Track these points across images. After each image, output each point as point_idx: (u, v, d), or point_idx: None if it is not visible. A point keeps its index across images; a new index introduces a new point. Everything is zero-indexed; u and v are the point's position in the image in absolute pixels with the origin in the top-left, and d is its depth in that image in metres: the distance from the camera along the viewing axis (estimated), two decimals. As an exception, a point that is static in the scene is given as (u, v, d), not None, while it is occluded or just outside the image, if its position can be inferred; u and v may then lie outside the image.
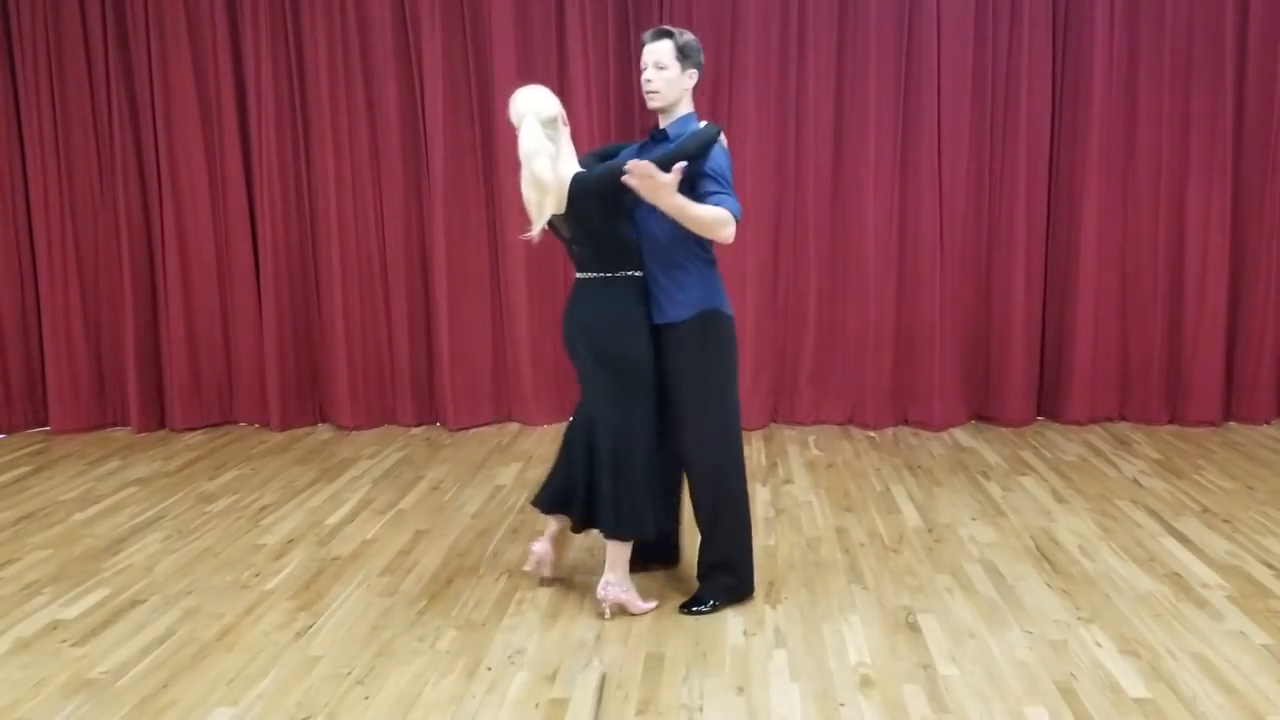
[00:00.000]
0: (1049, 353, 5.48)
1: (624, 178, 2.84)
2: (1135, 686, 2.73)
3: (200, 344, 5.59)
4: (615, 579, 3.18)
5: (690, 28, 5.14)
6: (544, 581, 3.45)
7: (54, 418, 5.59)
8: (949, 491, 4.38)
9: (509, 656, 2.96)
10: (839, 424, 5.49)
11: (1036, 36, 5.16)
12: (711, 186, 2.96)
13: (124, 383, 5.61)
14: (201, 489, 4.58)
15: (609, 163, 3.03)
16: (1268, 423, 5.37)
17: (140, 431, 5.54)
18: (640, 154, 3.14)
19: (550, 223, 3.07)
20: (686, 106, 3.11)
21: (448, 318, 5.42)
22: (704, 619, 3.18)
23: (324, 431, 5.56)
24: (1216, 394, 5.33)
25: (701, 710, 2.66)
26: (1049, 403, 5.51)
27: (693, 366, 3.09)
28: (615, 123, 5.32)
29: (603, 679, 2.83)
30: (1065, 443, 5.10)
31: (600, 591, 3.17)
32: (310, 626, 3.18)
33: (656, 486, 3.15)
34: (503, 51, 5.23)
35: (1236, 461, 4.74)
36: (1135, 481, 4.48)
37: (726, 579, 3.24)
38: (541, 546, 3.39)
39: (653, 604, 3.23)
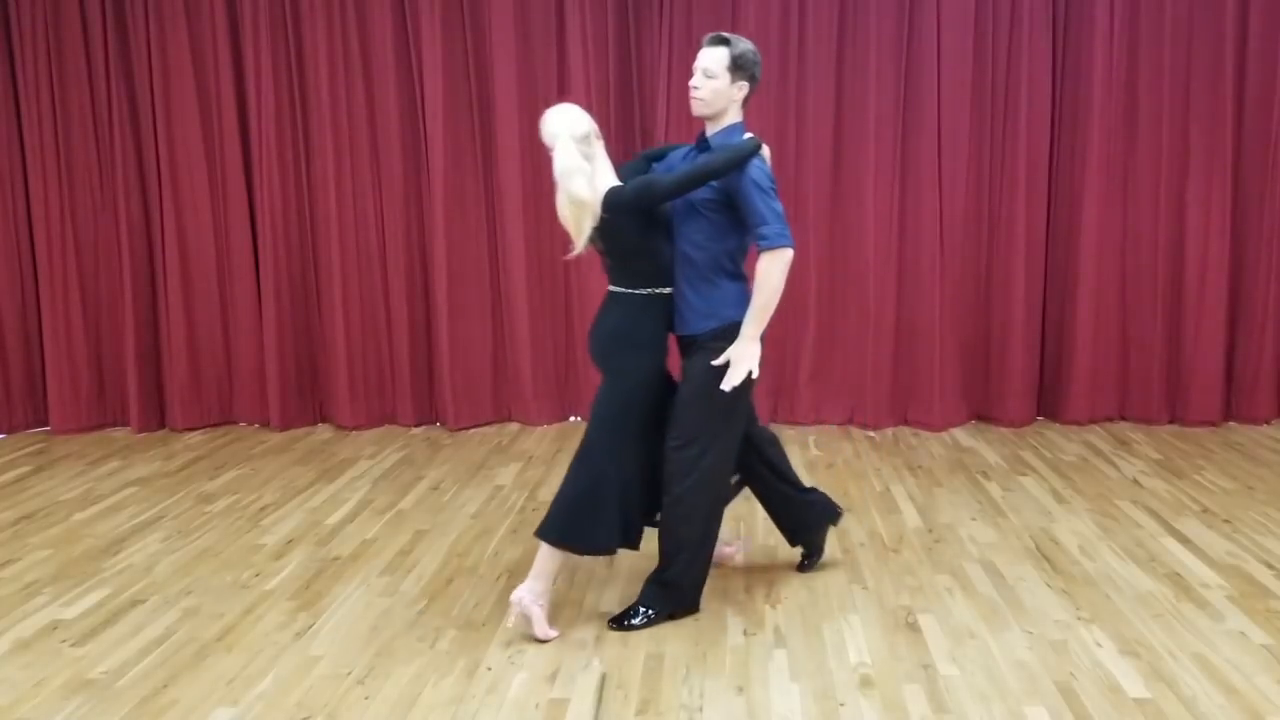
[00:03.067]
0: (1049, 353, 5.48)
1: (725, 386, 2.96)
2: (1135, 686, 2.73)
3: (200, 344, 5.59)
4: (534, 589, 3.06)
5: (690, 28, 5.18)
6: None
7: (54, 418, 5.59)
8: (949, 491, 4.38)
9: (509, 656, 2.96)
10: (839, 424, 5.49)
11: (1036, 36, 5.16)
12: (759, 217, 2.89)
13: (124, 383, 5.61)
14: (201, 489, 4.58)
15: (644, 178, 2.98)
16: (1268, 423, 5.38)
17: (140, 431, 5.54)
18: (688, 162, 3.12)
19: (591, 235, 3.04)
20: (734, 116, 3.04)
21: (448, 318, 5.42)
22: (704, 619, 3.17)
23: (324, 431, 5.56)
24: (1216, 394, 5.33)
25: (701, 710, 2.66)
26: (1049, 403, 5.51)
27: (706, 372, 3.00)
28: (615, 123, 5.32)
29: (603, 679, 2.83)
30: (1065, 443, 5.10)
31: (515, 594, 3.07)
32: (310, 626, 3.18)
33: (612, 509, 3.05)
34: (503, 51, 5.23)
35: (1236, 461, 4.74)
36: (1135, 481, 4.48)
37: (673, 594, 3.16)
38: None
39: (554, 634, 3.06)
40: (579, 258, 3.10)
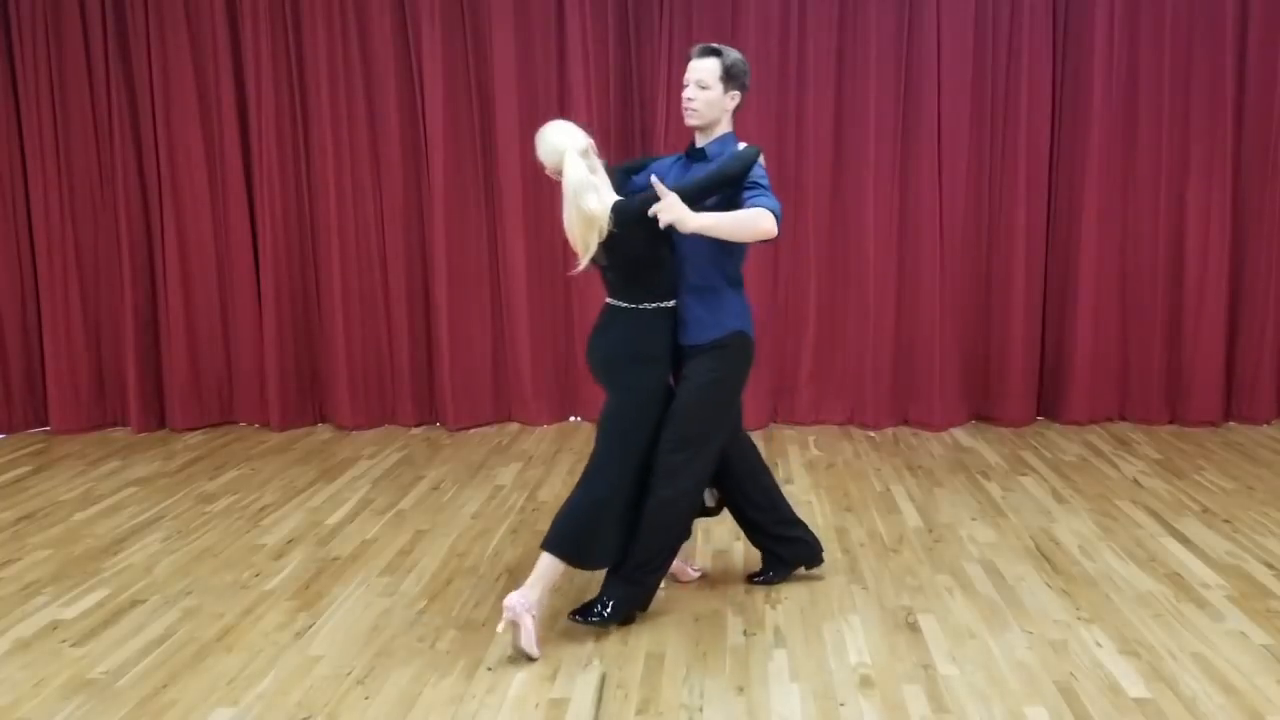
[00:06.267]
0: (1049, 353, 5.48)
1: (650, 210, 2.84)
2: (1135, 686, 2.73)
3: (200, 344, 5.60)
4: (528, 598, 2.95)
5: (690, 28, 5.18)
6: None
7: (54, 418, 5.59)
8: (949, 491, 4.38)
9: (509, 656, 2.96)
10: (839, 424, 5.49)
11: (1036, 36, 5.16)
12: (748, 192, 2.92)
13: (124, 383, 5.61)
14: (201, 489, 4.58)
15: (648, 192, 2.93)
16: (1268, 423, 5.38)
17: (140, 431, 5.54)
18: (675, 170, 3.13)
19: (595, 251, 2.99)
20: (726, 126, 3.07)
21: (448, 318, 5.42)
22: (704, 619, 3.17)
23: (324, 431, 5.56)
24: (1216, 394, 5.33)
25: (701, 710, 2.66)
26: (1049, 403, 5.51)
27: (706, 381, 3.05)
28: (615, 124, 5.32)
29: (603, 679, 2.83)
30: (1065, 443, 5.10)
31: (508, 599, 2.93)
32: (310, 626, 3.18)
33: (615, 526, 3.02)
34: (503, 52, 5.23)
35: (1236, 461, 4.74)
36: (1135, 481, 4.48)
37: (637, 594, 3.13)
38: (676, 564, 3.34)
39: (537, 654, 2.95)
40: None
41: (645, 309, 3.04)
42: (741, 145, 3.05)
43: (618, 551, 3.07)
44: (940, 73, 5.16)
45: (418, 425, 5.62)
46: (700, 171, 3.02)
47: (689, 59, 3.04)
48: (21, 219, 5.54)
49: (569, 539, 3.00)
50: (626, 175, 3.23)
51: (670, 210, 2.80)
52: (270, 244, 5.43)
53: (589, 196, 2.86)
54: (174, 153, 5.42)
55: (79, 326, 5.58)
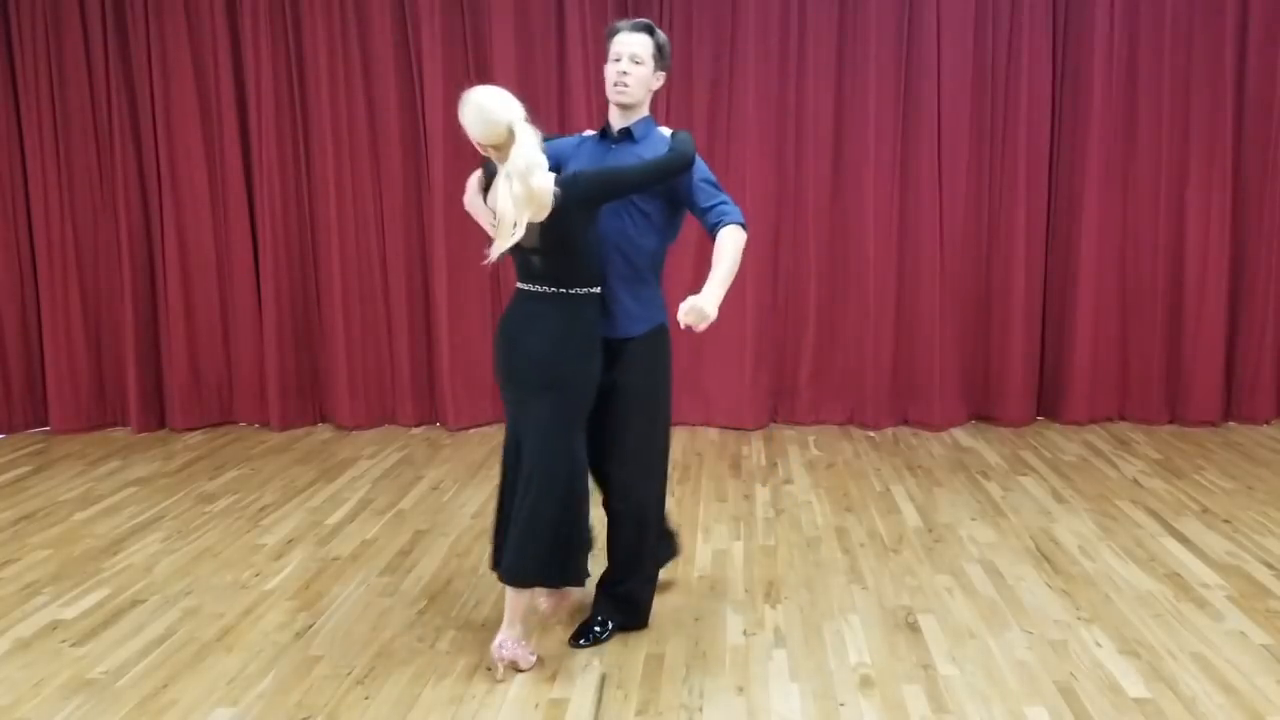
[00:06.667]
0: (1049, 353, 5.48)
1: (681, 321, 2.64)
2: (1135, 686, 2.73)
3: (200, 344, 5.59)
4: (514, 634, 2.84)
5: (690, 27, 5.18)
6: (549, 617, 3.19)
7: (54, 418, 5.59)
8: (949, 491, 4.38)
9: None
10: (839, 424, 5.49)
11: (1036, 36, 5.16)
12: (713, 198, 2.84)
13: (124, 383, 5.61)
14: (201, 489, 4.58)
15: (600, 169, 2.80)
16: (1268, 423, 5.37)
17: (140, 431, 5.54)
18: (593, 151, 2.95)
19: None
20: (647, 108, 2.92)
21: (448, 318, 5.42)
22: (704, 619, 3.17)
23: (324, 431, 5.56)
24: (1216, 394, 5.33)
25: (701, 710, 2.66)
26: (1049, 403, 5.51)
27: (643, 382, 2.94)
28: (615, 123, 5.32)
29: (603, 679, 2.83)
30: (1065, 443, 5.10)
31: (497, 652, 2.82)
32: (310, 626, 3.18)
33: (579, 530, 2.86)
34: (503, 51, 5.22)
35: (1236, 461, 4.74)
36: (1135, 481, 4.48)
37: (625, 608, 3.08)
38: (547, 601, 3.09)
39: (534, 658, 2.91)
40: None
41: (577, 294, 2.80)
42: (665, 130, 2.93)
43: (586, 558, 2.93)
44: (940, 73, 5.16)
45: (418, 425, 5.62)
46: (627, 155, 2.86)
47: (614, 33, 2.86)
48: (21, 219, 5.54)
49: (542, 563, 2.80)
50: None
51: (700, 314, 2.63)
52: (270, 244, 5.43)
53: (539, 174, 2.62)
54: (174, 153, 5.41)
55: (79, 326, 5.58)
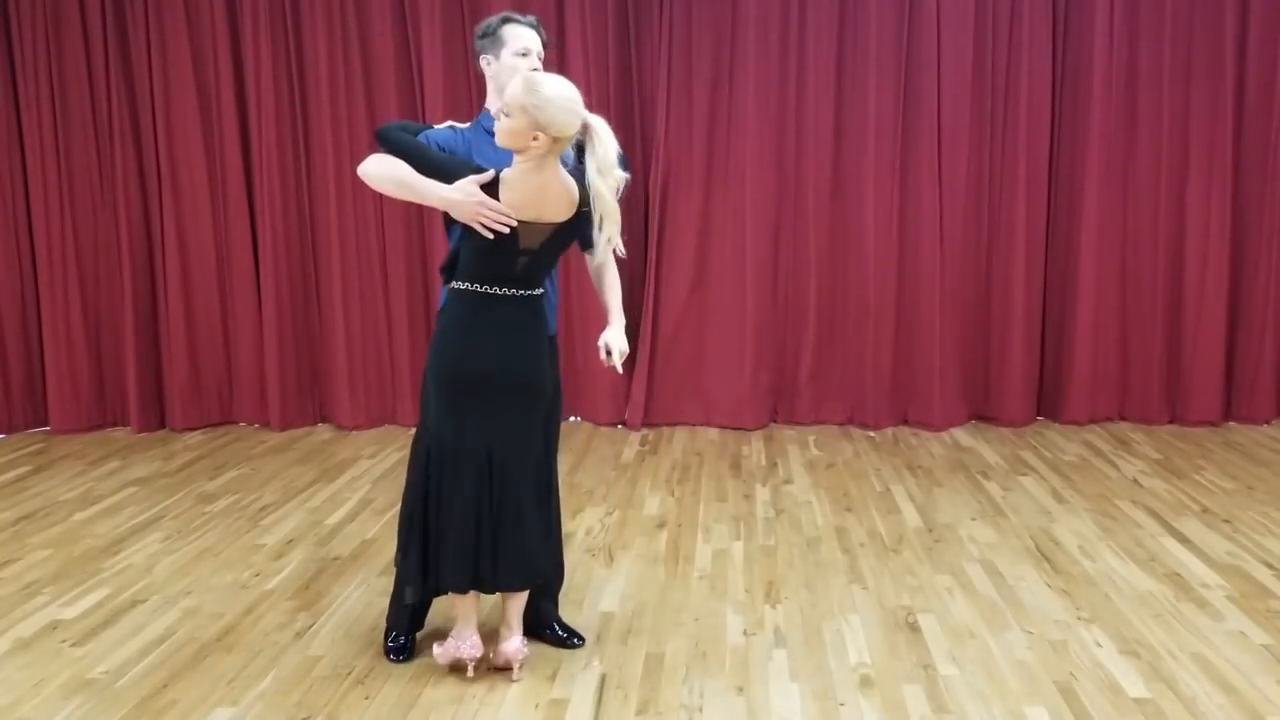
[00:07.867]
0: (1049, 352, 5.48)
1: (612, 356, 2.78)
2: (1135, 686, 2.73)
3: (200, 344, 5.59)
4: (520, 634, 2.84)
5: (690, 28, 5.19)
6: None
7: (54, 418, 5.59)
8: (949, 491, 4.38)
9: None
10: (839, 424, 5.49)
11: (1036, 35, 5.16)
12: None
13: (124, 383, 5.61)
14: (201, 489, 4.57)
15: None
16: (1268, 423, 5.38)
17: (140, 431, 5.54)
18: (488, 145, 2.74)
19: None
20: None
21: (448, 318, 5.41)
22: (704, 619, 3.17)
23: (324, 431, 5.56)
24: (1216, 394, 5.33)
25: (701, 710, 2.66)
26: (1049, 403, 5.51)
27: (557, 378, 2.90)
28: (615, 123, 5.29)
29: (603, 679, 2.83)
30: (1065, 443, 5.10)
31: (516, 655, 2.80)
32: (310, 626, 3.18)
33: (557, 524, 2.92)
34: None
35: (1236, 461, 4.74)
36: (1135, 481, 4.48)
37: (548, 601, 3.05)
38: (513, 645, 2.83)
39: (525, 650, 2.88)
40: (570, 256, 2.82)
41: (534, 295, 2.70)
42: None
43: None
44: (940, 72, 5.16)
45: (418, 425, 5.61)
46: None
47: (508, 20, 2.82)
48: (21, 219, 5.53)
49: (550, 567, 2.90)
50: (409, 134, 2.76)
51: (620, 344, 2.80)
52: (270, 244, 5.43)
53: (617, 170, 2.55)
54: (174, 153, 5.41)
55: (79, 326, 5.57)
